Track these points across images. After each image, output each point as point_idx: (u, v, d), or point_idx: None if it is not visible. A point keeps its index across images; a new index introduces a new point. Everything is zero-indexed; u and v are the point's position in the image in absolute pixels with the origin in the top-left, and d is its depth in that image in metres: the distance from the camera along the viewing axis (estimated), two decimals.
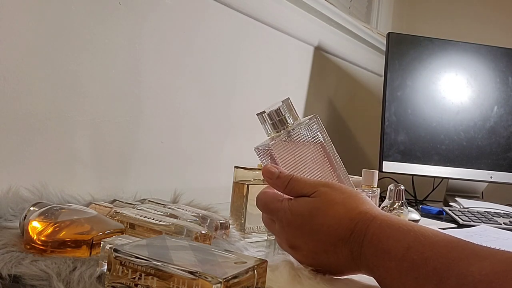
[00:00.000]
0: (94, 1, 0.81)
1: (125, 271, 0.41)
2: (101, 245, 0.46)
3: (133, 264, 0.41)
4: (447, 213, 1.19)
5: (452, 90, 1.40)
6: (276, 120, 0.57)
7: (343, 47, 1.58)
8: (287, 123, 0.58)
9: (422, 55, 1.39)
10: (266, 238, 0.76)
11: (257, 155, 0.59)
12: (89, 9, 0.80)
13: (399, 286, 0.43)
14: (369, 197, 0.87)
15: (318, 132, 0.58)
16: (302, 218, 0.50)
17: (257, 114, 0.59)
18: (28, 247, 0.50)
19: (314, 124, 0.58)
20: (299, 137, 0.57)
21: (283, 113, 0.57)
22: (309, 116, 0.59)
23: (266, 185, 0.57)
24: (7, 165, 0.72)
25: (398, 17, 1.99)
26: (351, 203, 0.50)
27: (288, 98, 0.58)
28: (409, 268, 0.43)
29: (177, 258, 0.41)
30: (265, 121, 0.58)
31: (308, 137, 0.57)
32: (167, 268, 0.39)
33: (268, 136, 0.59)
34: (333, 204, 0.49)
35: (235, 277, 0.39)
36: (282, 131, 0.58)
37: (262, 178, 0.78)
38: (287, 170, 0.56)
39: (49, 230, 0.50)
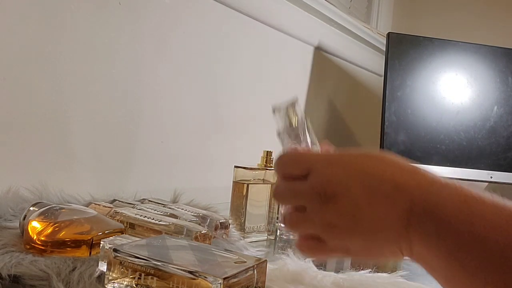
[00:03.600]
0: (94, 1, 0.81)
1: (125, 271, 0.41)
2: (101, 245, 0.46)
3: (133, 264, 0.41)
4: None
5: (452, 90, 1.40)
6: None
7: (343, 47, 1.58)
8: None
9: (422, 55, 1.39)
10: (266, 237, 0.76)
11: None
12: (89, 9, 0.80)
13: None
14: None
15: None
16: (351, 164, 0.41)
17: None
18: (28, 247, 0.50)
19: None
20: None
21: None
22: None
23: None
24: (7, 165, 0.72)
25: (398, 17, 1.99)
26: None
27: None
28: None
29: (176, 258, 0.41)
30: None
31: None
32: (167, 268, 0.39)
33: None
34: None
35: (234, 276, 0.39)
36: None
37: (261, 178, 0.79)
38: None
39: (49, 230, 0.50)
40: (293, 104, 0.53)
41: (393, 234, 0.38)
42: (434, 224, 0.36)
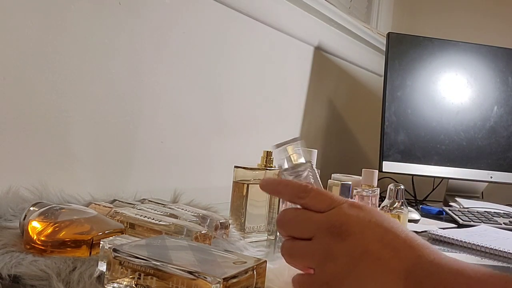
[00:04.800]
0: (94, 1, 0.81)
1: (125, 271, 0.41)
2: (101, 245, 0.46)
3: (133, 264, 0.41)
4: (447, 213, 1.19)
5: (452, 90, 1.40)
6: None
7: (343, 47, 1.58)
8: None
9: (422, 55, 1.39)
10: (266, 237, 0.76)
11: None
12: (89, 9, 0.80)
13: None
14: (369, 196, 0.87)
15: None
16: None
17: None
18: (28, 247, 0.50)
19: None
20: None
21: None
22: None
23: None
24: (7, 165, 0.72)
25: (398, 17, 1.98)
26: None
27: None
28: None
29: (176, 258, 0.41)
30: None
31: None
32: (167, 268, 0.39)
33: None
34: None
35: (234, 277, 0.39)
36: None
37: (261, 178, 0.79)
38: None
39: (49, 230, 0.50)
40: (295, 144, 0.51)
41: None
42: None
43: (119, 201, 0.72)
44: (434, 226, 1.03)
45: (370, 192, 0.87)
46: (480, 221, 1.11)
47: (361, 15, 1.81)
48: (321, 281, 0.41)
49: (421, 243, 0.41)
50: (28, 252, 0.49)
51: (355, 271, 0.39)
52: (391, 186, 0.90)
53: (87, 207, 0.62)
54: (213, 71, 1.08)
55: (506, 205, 1.39)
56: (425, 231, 0.96)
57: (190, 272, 0.38)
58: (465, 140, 1.39)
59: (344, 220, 0.41)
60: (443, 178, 1.44)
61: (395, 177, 1.42)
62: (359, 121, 1.77)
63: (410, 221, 1.01)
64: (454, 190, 1.45)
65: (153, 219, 0.60)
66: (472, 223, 1.10)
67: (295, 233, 0.43)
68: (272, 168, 0.82)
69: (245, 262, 0.42)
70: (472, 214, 1.16)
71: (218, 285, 0.37)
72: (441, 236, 0.91)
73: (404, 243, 0.40)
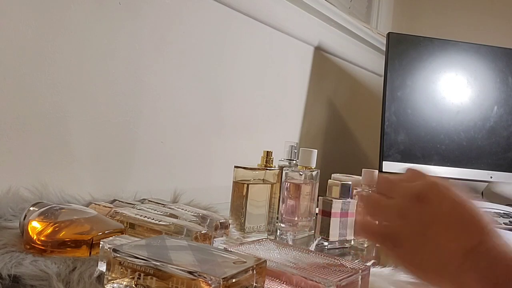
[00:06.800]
0: (94, 1, 0.81)
1: (124, 271, 0.41)
2: (101, 245, 0.46)
3: (132, 264, 0.41)
4: None
5: (452, 90, 1.40)
6: None
7: (343, 47, 1.58)
8: None
9: (422, 55, 1.39)
10: (266, 237, 0.76)
11: None
12: (89, 9, 0.80)
13: None
14: None
15: None
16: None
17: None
18: (28, 247, 0.50)
19: None
20: None
21: None
22: None
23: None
24: (7, 165, 0.72)
25: (398, 17, 1.98)
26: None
27: None
28: None
29: (176, 258, 0.41)
30: None
31: None
32: (166, 268, 0.39)
33: None
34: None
35: (234, 277, 0.39)
36: None
37: (261, 178, 0.79)
38: None
39: (49, 230, 0.50)
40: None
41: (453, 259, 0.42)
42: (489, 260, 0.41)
43: (119, 201, 0.72)
44: None
45: (370, 192, 0.87)
46: None
47: (361, 15, 1.81)
48: (386, 233, 0.45)
49: (488, 229, 0.45)
50: (28, 252, 0.49)
51: (420, 236, 0.43)
52: None
53: (87, 207, 0.62)
54: (213, 70, 1.08)
55: (506, 205, 1.39)
56: None
57: (190, 272, 0.38)
58: (465, 140, 1.39)
59: (428, 188, 0.45)
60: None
61: None
62: (359, 121, 1.77)
63: None
64: None
65: (153, 219, 0.60)
66: None
67: (386, 192, 0.48)
68: (272, 168, 0.82)
69: (245, 262, 0.42)
70: None
71: (218, 285, 0.37)
72: None
73: (471, 223, 0.44)
